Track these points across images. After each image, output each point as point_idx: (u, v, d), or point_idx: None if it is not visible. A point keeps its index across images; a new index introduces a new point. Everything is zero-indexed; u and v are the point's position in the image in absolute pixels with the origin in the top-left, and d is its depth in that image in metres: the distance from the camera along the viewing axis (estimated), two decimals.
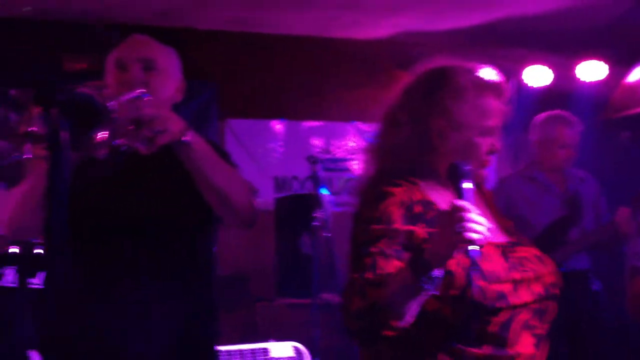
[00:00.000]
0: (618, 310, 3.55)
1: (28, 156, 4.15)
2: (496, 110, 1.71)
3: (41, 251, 3.54)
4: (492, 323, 1.56)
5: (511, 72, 4.65)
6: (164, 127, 1.62)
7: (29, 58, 4.96)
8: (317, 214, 3.82)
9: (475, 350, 1.57)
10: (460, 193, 1.52)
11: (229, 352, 3.20)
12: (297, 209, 4.71)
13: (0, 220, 1.85)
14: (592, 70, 5.29)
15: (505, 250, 1.66)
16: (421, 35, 5.38)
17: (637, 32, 5.07)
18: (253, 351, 3.27)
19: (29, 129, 4.10)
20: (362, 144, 5.44)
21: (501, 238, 1.73)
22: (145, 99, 1.64)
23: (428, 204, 1.65)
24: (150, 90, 1.75)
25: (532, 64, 5.32)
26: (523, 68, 5.31)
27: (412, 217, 1.60)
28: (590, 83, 5.32)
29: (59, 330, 1.83)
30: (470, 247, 1.44)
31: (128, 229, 1.86)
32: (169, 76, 1.98)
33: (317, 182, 3.79)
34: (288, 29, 5.42)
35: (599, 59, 5.25)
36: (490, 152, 1.71)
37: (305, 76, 5.56)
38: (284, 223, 4.83)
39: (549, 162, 3.76)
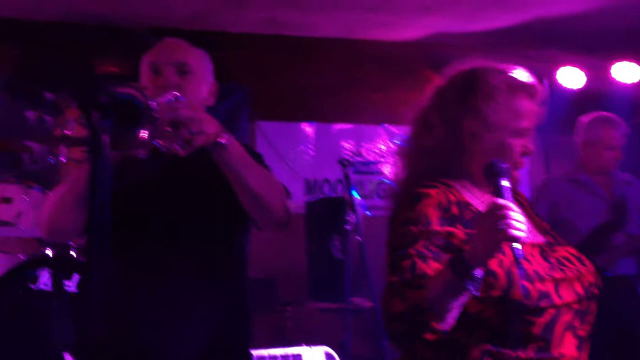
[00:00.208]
0: None
1: (63, 159, 4.21)
2: (529, 111, 1.69)
3: (75, 254, 3.59)
4: (535, 324, 1.54)
5: (544, 73, 4.59)
6: (200, 129, 1.63)
7: (63, 62, 5.04)
8: (349, 218, 3.80)
9: (519, 353, 1.54)
10: (498, 191, 1.51)
11: (261, 357, 3.19)
12: (328, 212, 4.70)
13: (38, 222, 1.88)
14: (626, 72, 5.21)
15: (544, 250, 1.64)
16: (453, 37, 5.34)
17: None
18: (285, 356, 3.26)
19: (65, 132, 4.15)
20: (393, 146, 5.42)
21: (539, 238, 1.70)
22: (180, 101, 1.65)
23: (465, 205, 1.63)
24: (184, 93, 1.76)
25: (566, 65, 5.25)
26: (556, 69, 5.25)
27: (450, 219, 1.59)
28: (625, 84, 5.24)
29: (95, 332, 1.84)
30: (514, 245, 1.43)
31: (164, 230, 1.88)
32: (202, 79, 2.00)
33: (349, 185, 3.78)
34: (319, 31, 5.42)
35: (634, 60, 5.17)
36: (524, 153, 1.69)
37: (336, 78, 5.55)
38: (314, 226, 4.82)
39: (594, 164, 3.70)
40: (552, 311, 1.55)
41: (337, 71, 5.56)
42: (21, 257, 3.73)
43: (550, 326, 1.55)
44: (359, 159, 5.48)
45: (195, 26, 5.09)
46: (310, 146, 5.56)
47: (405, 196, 1.65)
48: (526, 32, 5.22)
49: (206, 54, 2.04)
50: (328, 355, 3.36)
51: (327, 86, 5.53)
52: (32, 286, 3.41)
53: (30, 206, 3.80)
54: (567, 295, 1.58)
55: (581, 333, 1.61)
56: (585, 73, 5.27)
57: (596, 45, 5.13)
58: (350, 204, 3.73)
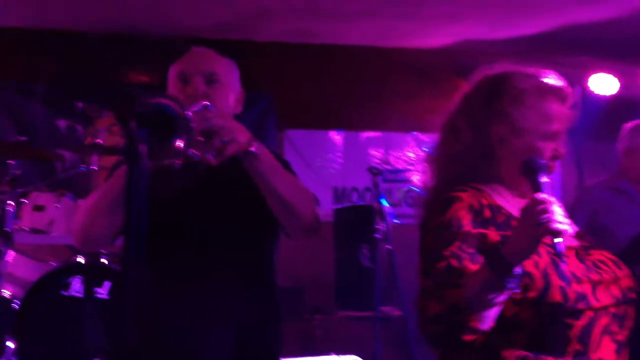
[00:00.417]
0: None
1: (95, 167, 4.25)
2: (559, 114, 1.66)
3: (106, 261, 3.62)
4: (573, 327, 1.52)
5: (576, 80, 4.54)
6: (231, 138, 1.64)
7: (95, 72, 5.11)
8: (379, 226, 3.79)
9: (557, 357, 1.52)
10: (537, 186, 1.50)
11: None
12: (356, 220, 4.69)
13: (70, 231, 1.89)
14: None
15: (579, 253, 1.62)
16: (481, 44, 5.31)
17: None
18: None
19: (96, 141, 4.20)
20: (421, 154, 5.39)
21: (573, 242, 1.68)
22: (210, 110, 1.66)
23: (497, 208, 1.62)
24: (212, 102, 1.77)
25: (598, 72, 5.19)
26: (588, 76, 5.19)
27: (482, 222, 1.58)
28: None
29: (128, 339, 1.85)
30: (555, 239, 1.41)
31: (197, 239, 1.89)
32: (230, 88, 2.01)
33: (378, 194, 3.76)
34: (346, 38, 5.43)
35: None
36: (554, 157, 1.66)
37: (364, 86, 5.55)
38: (343, 234, 4.81)
39: (635, 172, 3.64)
40: (589, 314, 1.53)
41: (365, 79, 5.56)
42: (53, 264, 3.77)
43: (588, 330, 1.53)
44: (388, 167, 5.46)
45: (222, 36, 5.13)
46: (338, 154, 5.55)
47: (436, 202, 1.65)
48: (556, 38, 5.17)
49: (233, 62, 2.05)
50: None
51: (355, 94, 5.52)
52: (64, 293, 3.45)
53: (62, 214, 3.84)
54: (605, 298, 1.56)
55: (620, 338, 1.58)
56: (618, 79, 5.19)
57: (628, 51, 5.06)
58: (380, 213, 3.72)
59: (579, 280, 1.54)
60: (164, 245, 1.85)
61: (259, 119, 5.33)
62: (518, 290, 1.45)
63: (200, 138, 1.58)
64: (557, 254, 1.43)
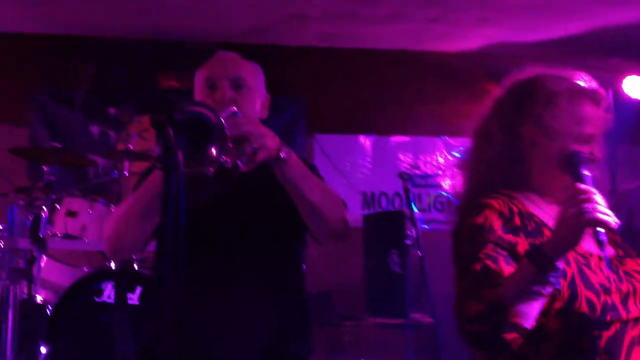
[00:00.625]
0: None
1: (126, 173, 4.28)
2: (593, 117, 1.63)
3: (137, 267, 3.64)
4: (601, 338, 1.50)
5: (608, 83, 4.47)
6: (262, 144, 1.64)
7: (126, 77, 5.16)
8: (409, 232, 3.76)
9: None
10: (579, 178, 1.50)
11: None
12: (386, 226, 4.66)
13: (102, 238, 1.90)
14: None
15: (612, 262, 1.59)
16: (512, 47, 5.26)
17: None
18: None
19: (127, 146, 4.23)
20: (451, 158, 5.35)
21: (610, 250, 1.65)
22: (239, 116, 1.66)
23: (528, 216, 1.61)
24: (239, 107, 1.77)
25: (631, 75, 5.11)
26: (621, 79, 5.11)
27: (512, 229, 1.57)
28: None
29: (159, 344, 1.85)
30: (598, 229, 1.41)
31: (228, 245, 1.90)
32: (256, 92, 2.00)
33: (409, 199, 3.74)
34: (375, 42, 5.41)
35: None
36: (589, 161, 1.62)
37: (393, 90, 5.53)
38: (372, 240, 4.78)
39: None
40: (618, 325, 1.51)
41: (394, 83, 5.54)
42: (86, 270, 3.81)
43: (616, 341, 1.51)
44: (417, 172, 5.42)
45: (253, 40, 5.15)
46: (367, 159, 5.53)
47: (468, 208, 1.64)
48: (588, 41, 5.10)
49: (258, 66, 2.04)
50: None
51: (385, 98, 5.51)
52: (97, 299, 3.48)
53: (94, 220, 3.87)
54: (635, 309, 1.54)
55: None
56: None
57: None
58: (411, 218, 3.69)
59: (607, 291, 1.52)
60: (192, 252, 1.86)
61: (289, 123, 5.34)
62: (559, 287, 1.45)
63: (230, 144, 1.58)
64: (599, 244, 1.43)
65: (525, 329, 1.45)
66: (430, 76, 5.53)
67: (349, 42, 5.41)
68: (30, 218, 3.69)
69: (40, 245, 3.61)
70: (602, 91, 1.67)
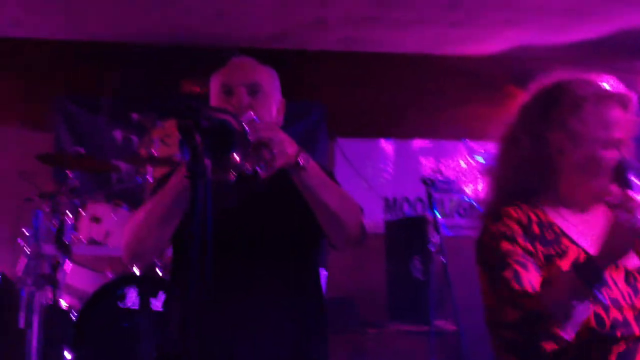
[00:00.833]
0: None
1: (150, 178, 4.29)
2: (621, 120, 1.61)
3: (161, 272, 3.66)
4: (611, 353, 1.49)
5: (636, 85, 4.41)
6: (280, 150, 1.64)
7: (149, 83, 5.20)
8: (433, 238, 3.73)
9: None
10: (629, 185, 1.49)
11: None
12: (408, 232, 4.63)
13: (121, 244, 1.90)
14: None
15: (629, 276, 1.57)
16: (536, 50, 5.22)
17: None
18: None
19: (150, 152, 4.23)
20: (474, 163, 5.31)
21: (633, 262, 1.62)
22: (258, 122, 1.66)
23: (548, 225, 1.60)
24: (256, 113, 1.76)
25: None
26: None
27: (530, 237, 1.57)
28: None
29: (179, 348, 1.86)
30: None
31: (247, 251, 1.90)
32: (272, 98, 1.99)
33: (432, 205, 3.71)
34: (398, 46, 5.40)
35: None
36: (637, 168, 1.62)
37: (415, 94, 5.51)
38: (394, 246, 4.76)
39: None
40: (629, 340, 1.49)
41: (416, 87, 5.52)
42: (110, 275, 3.83)
43: (627, 356, 1.49)
44: (439, 176, 5.39)
45: (275, 45, 5.16)
46: (389, 163, 5.51)
47: (490, 216, 1.64)
48: (614, 43, 5.04)
49: (274, 70, 2.04)
50: None
51: (407, 102, 5.49)
52: (120, 304, 3.49)
53: (118, 225, 3.90)
54: None
55: None
56: None
57: None
58: (434, 224, 3.66)
59: (619, 307, 1.50)
60: (217, 259, 1.86)
61: (310, 128, 5.34)
62: (605, 300, 1.43)
63: (249, 150, 1.58)
64: None
65: (566, 341, 1.44)
66: (452, 79, 5.50)
67: (370, 47, 5.40)
68: (56, 224, 3.72)
69: (65, 251, 3.65)
70: (629, 94, 1.64)
